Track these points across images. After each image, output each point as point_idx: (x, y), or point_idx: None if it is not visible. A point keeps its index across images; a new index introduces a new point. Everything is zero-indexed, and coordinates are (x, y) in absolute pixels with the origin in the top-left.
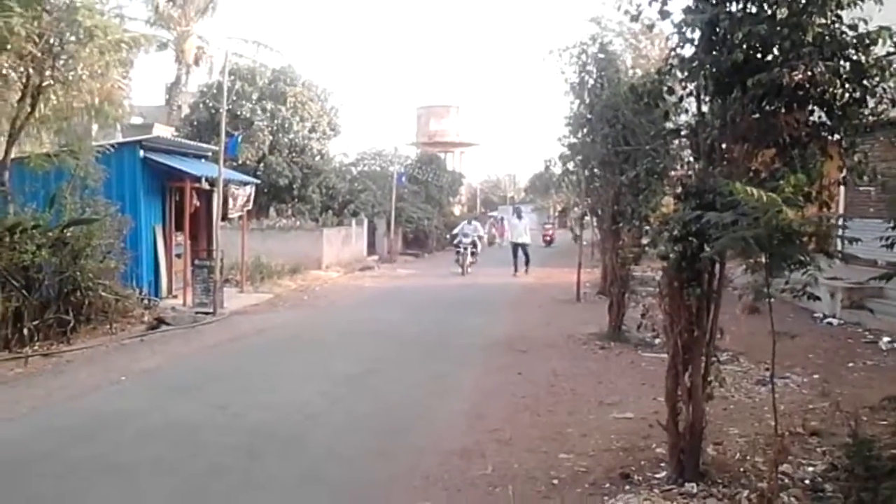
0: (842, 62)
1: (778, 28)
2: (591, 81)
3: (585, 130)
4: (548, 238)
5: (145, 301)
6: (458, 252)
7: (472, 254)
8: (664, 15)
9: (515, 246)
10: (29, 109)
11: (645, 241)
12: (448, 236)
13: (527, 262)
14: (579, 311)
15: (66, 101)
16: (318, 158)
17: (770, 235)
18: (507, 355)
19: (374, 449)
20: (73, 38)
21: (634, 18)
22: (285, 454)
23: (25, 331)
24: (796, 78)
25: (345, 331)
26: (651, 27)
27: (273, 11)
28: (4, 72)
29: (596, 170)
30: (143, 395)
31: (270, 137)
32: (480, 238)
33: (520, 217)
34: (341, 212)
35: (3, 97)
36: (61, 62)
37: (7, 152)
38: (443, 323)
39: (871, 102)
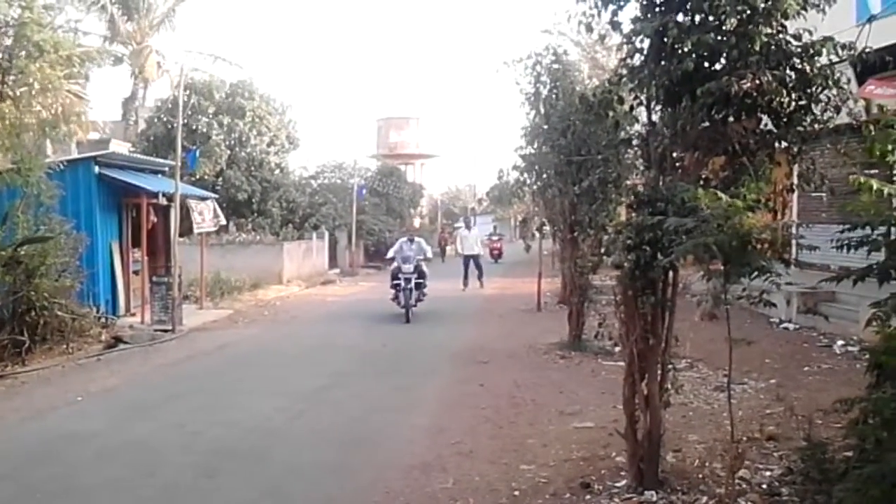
0: (787, 71)
1: (726, 37)
2: (545, 92)
3: (541, 140)
4: (496, 251)
5: (102, 319)
6: (396, 286)
7: (418, 286)
8: (614, 25)
9: (466, 258)
10: None
11: (603, 250)
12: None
13: (480, 275)
14: (540, 320)
15: (18, 118)
16: (277, 172)
17: (730, 242)
18: (468, 367)
19: (336, 464)
20: (22, 54)
21: (589, 29)
22: (245, 471)
23: None
24: (744, 86)
25: (306, 345)
26: (603, 38)
27: (231, 25)
28: None
29: (552, 180)
30: (101, 415)
31: (228, 152)
32: (428, 260)
33: (469, 228)
34: (302, 225)
35: None
36: (11, 78)
37: None
38: (404, 336)
39: (816, 110)
